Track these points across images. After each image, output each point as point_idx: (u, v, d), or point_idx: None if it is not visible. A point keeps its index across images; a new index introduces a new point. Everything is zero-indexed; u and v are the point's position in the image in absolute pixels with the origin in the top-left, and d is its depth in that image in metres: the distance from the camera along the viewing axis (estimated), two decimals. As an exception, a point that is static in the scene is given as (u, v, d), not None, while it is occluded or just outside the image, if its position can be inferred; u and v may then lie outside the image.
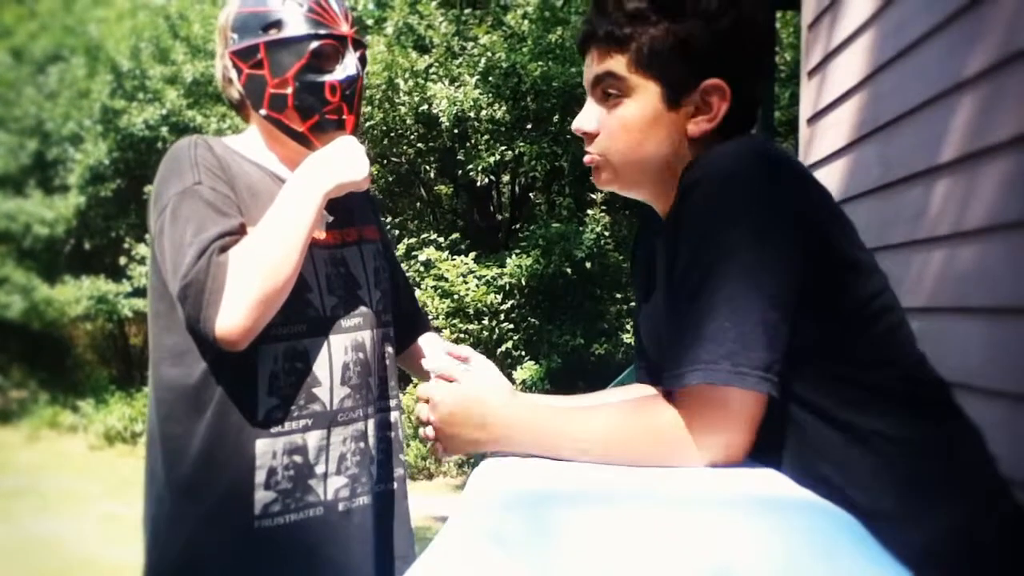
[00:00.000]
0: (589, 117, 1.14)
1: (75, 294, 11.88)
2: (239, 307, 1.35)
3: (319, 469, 1.50)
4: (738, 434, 0.93)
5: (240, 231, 1.42)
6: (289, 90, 1.50)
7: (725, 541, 0.69)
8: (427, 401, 1.15)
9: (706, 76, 1.07)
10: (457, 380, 1.13)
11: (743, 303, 0.92)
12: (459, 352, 1.20)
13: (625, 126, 1.10)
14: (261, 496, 1.45)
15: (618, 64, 1.09)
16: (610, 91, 1.11)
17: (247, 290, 1.35)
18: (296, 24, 1.49)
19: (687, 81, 1.07)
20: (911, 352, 1.06)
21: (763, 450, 0.96)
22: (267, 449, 1.45)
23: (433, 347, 1.79)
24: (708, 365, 0.91)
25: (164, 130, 11.07)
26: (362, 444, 1.56)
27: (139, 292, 11.24)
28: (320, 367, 1.50)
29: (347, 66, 1.52)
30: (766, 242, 0.94)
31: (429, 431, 1.14)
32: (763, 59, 1.12)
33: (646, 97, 1.09)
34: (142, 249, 11.10)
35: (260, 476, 1.45)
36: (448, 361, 1.18)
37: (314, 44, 1.49)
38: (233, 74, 1.55)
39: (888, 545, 0.74)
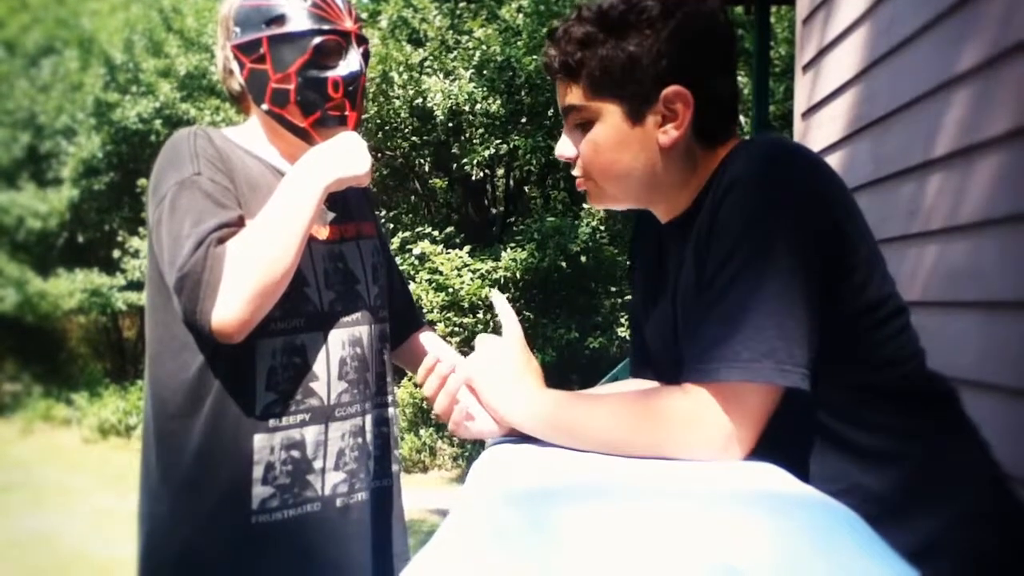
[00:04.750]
0: (566, 144, 1.14)
1: (68, 287, 11.85)
2: (235, 299, 1.34)
3: (317, 464, 1.50)
4: (750, 430, 0.94)
5: (238, 223, 1.41)
6: (291, 85, 1.49)
7: (728, 537, 0.69)
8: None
9: (664, 85, 1.05)
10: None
11: (783, 301, 0.93)
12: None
13: (596, 149, 1.10)
14: (259, 491, 1.45)
15: (576, 95, 1.10)
16: (578, 121, 1.12)
17: (244, 282, 1.34)
18: (299, 19, 1.48)
19: (645, 94, 1.06)
20: (917, 351, 1.08)
21: (779, 446, 0.97)
22: (265, 444, 1.45)
23: (437, 346, 1.80)
24: (749, 363, 0.92)
25: (158, 123, 11.04)
26: (360, 440, 1.56)
27: (133, 285, 11.21)
28: (318, 362, 1.50)
29: (350, 62, 1.51)
30: (800, 242, 0.95)
31: (460, 380, 1.16)
32: (724, 53, 1.09)
33: (610, 119, 1.08)
34: (135, 242, 11.07)
35: (258, 471, 1.45)
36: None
37: (317, 40, 1.48)
38: (235, 67, 1.54)
39: (893, 539, 0.75)
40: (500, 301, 1.20)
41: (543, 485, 0.91)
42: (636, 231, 1.33)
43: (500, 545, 0.72)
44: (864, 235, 1.03)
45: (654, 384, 1.27)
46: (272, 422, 1.46)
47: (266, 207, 1.42)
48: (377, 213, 1.80)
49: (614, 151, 1.09)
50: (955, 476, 1.03)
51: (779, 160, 1.00)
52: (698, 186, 1.10)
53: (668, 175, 1.10)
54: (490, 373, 1.12)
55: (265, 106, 1.52)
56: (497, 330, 1.19)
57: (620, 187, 1.12)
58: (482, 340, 1.17)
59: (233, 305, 1.34)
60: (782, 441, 0.97)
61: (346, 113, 1.53)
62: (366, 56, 1.57)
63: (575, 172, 1.16)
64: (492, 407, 1.12)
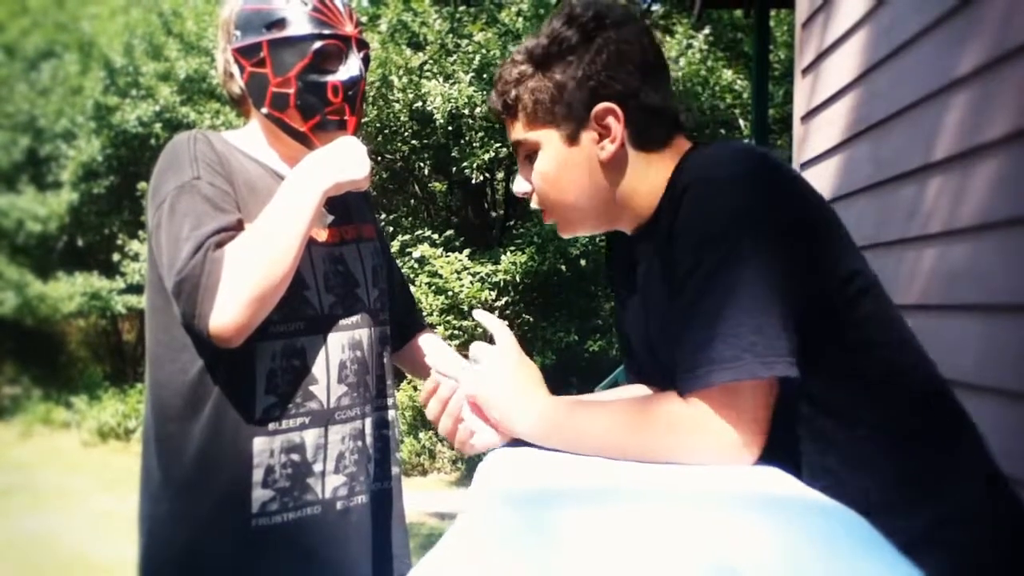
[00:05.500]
0: (520, 180, 1.21)
1: (68, 290, 11.85)
2: (234, 303, 1.34)
3: (317, 467, 1.50)
4: (756, 429, 0.95)
5: (238, 227, 1.41)
6: (291, 89, 1.49)
7: (730, 539, 0.69)
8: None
9: (593, 104, 1.11)
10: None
11: (756, 297, 0.94)
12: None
13: (544, 178, 1.17)
14: (259, 495, 1.45)
15: (517, 131, 1.17)
16: (526, 154, 1.18)
17: (242, 286, 1.34)
18: (300, 23, 1.49)
19: (577, 116, 1.12)
20: (902, 336, 1.09)
21: (769, 445, 0.97)
22: (265, 447, 1.45)
23: (436, 347, 1.79)
24: (731, 363, 0.93)
25: (157, 127, 11.03)
26: (360, 443, 1.56)
27: (132, 288, 11.21)
28: (317, 365, 1.50)
29: (350, 67, 1.52)
30: (765, 237, 0.96)
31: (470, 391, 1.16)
32: (647, 67, 1.13)
33: (550, 146, 1.15)
34: (135, 245, 11.07)
35: (258, 474, 1.45)
36: (455, 358, 1.21)
37: (317, 44, 1.49)
38: (235, 70, 1.54)
39: (889, 533, 0.75)
40: (484, 316, 1.24)
41: (547, 488, 0.91)
42: (609, 241, 1.36)
43: (503, 546, 0.72)
44: (830, 221, 1.06)
45: (645, 390, 1.28)
46: (272, 425, 1.46)
47: (265, 211, 1.42)
48: (377, 216, 1.80)
49: (560, 174, 1.15)
50: (943, 473, 1.03)
51: (732, 158, 1.03)
52: (657, 193, 1.13)
53: (617, 187, 1.14)
54: (493, 387, 1.14)
55: (265, 110, 1.52)
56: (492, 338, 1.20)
57: (578, 211, 1.18)
58: (477, 350, 1.18)
59: (231, 309, 1.34)
60: (771, 441, 0.97)
61: (345, 118, 1.53)
62: (366, 61, 1.57)
63: (534, 205, 1.21)
64: (500, 421, 1.13)
